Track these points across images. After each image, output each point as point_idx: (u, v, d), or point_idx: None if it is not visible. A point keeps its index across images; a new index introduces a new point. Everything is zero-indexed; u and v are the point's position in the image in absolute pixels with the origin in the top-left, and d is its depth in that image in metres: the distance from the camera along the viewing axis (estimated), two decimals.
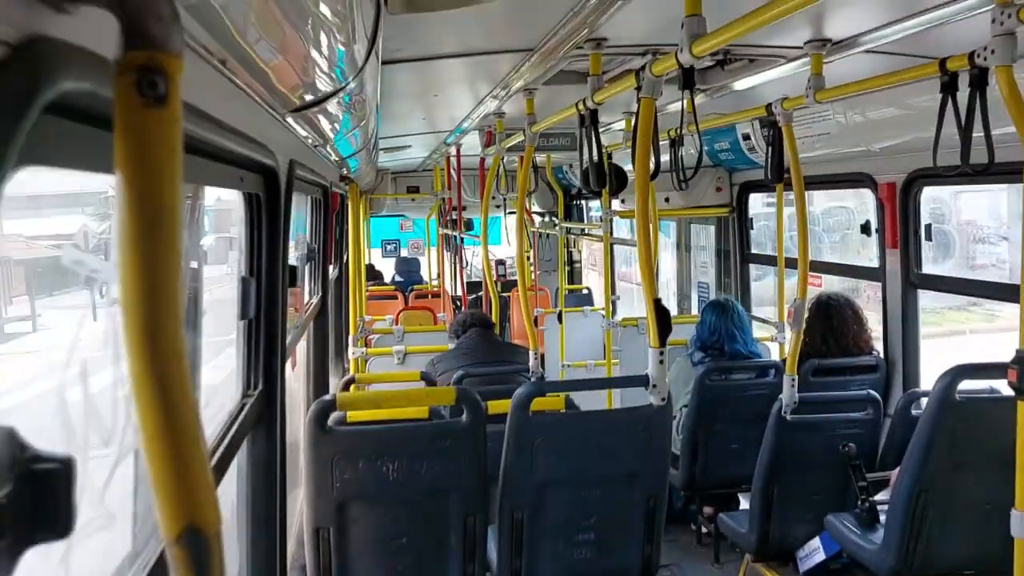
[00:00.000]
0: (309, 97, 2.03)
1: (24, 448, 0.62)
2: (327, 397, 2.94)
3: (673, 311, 6.40)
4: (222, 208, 2.61)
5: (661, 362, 2.84)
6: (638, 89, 2.67)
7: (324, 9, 1.39)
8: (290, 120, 2.18)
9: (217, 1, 1.02)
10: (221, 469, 1.75)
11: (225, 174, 1.66)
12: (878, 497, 3.58)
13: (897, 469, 3.29)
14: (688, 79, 2.40)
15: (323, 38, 1.54)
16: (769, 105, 3.75)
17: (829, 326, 4.52)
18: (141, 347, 0.61)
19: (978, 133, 2.55)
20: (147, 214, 0.61)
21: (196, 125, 1.20)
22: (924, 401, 3.30)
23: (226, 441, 1.81)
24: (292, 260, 2.70)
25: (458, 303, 9.13)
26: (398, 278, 12.25)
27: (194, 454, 0.64)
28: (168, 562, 0.64)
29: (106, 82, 0.73)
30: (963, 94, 2.58)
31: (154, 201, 0.61)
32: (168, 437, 0.62)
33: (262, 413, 2.17)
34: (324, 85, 1.97)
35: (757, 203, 6.62)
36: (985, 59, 2.32)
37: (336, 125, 2.83)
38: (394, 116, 5.12)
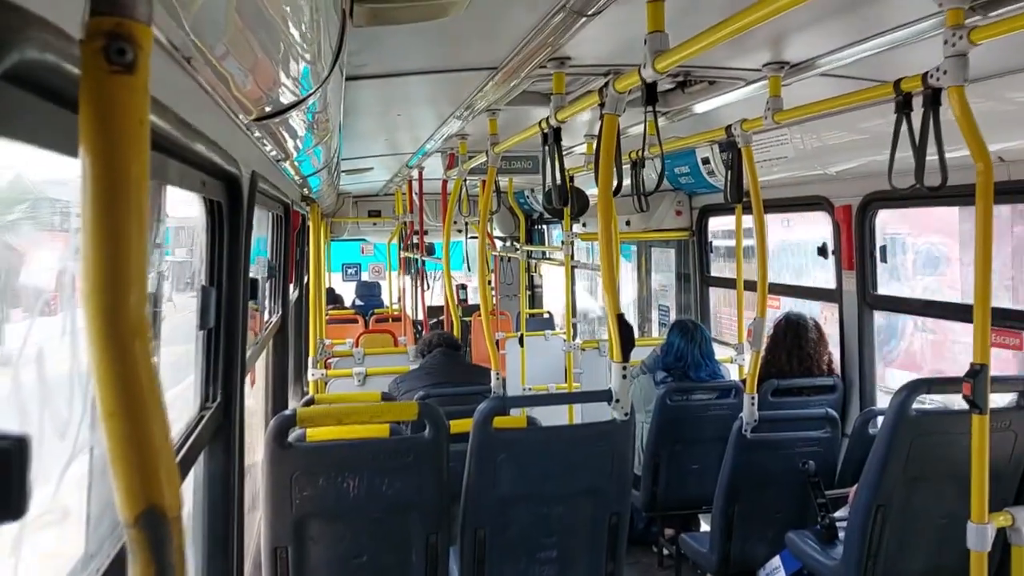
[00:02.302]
0: (272, 107, 2.02)
1: None
2: (287, 412, 2.89)
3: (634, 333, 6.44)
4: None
5: (624, 377, 2.85)
6: (601, 105, 2.70)
7: (289, 17, 1.39)
8: (254, 131, 2.16)
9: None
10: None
11: (186, 175, 1.64)
12: (837, 514, 3.61)
13: (856, 486, 3.33)
14: (651, 95, 2.44)
15: (287, 46, 1.54)
16: (729, 127, 3.81)
17: (797, 345, 4.58)
18: (102, 320, 0.59)
19: (932, 157, 2.61)
20: (113, 184, 0.60)
21: (159, 118, 1.18)
22: (881, 420, 3.34)
23: (182, 453, 1.77)
24: (253, 274, 2.67)
25: (419, 327, 9.09)
26: (359, 302, 12.17)
27: (156, 433, 0.62)
28: (127, 545, 0.61)
29: (69, 56, 0.71)
30: (917, 116, 2.64)
31: (121, 171, 0.60)
32: (129, 414, 0.60)
33: (220, 426, 2.12)
34: (287, 94, 1.96)
35: (721, 227, 6.70)
36: (938, 79, 2.38)
37: (298, 141, 2.82)
38: (357, 135, 5.11)
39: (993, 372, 2.34)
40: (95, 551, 1.24)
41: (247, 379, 2.97)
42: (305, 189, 5.08)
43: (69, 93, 0.79)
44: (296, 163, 3.36)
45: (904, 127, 2.65)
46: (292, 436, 2.91)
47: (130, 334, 0.60)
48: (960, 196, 2.69)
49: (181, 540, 0.63)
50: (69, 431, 1.23)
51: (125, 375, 0.59)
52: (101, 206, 0.59)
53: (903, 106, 2.65)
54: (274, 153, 2.85)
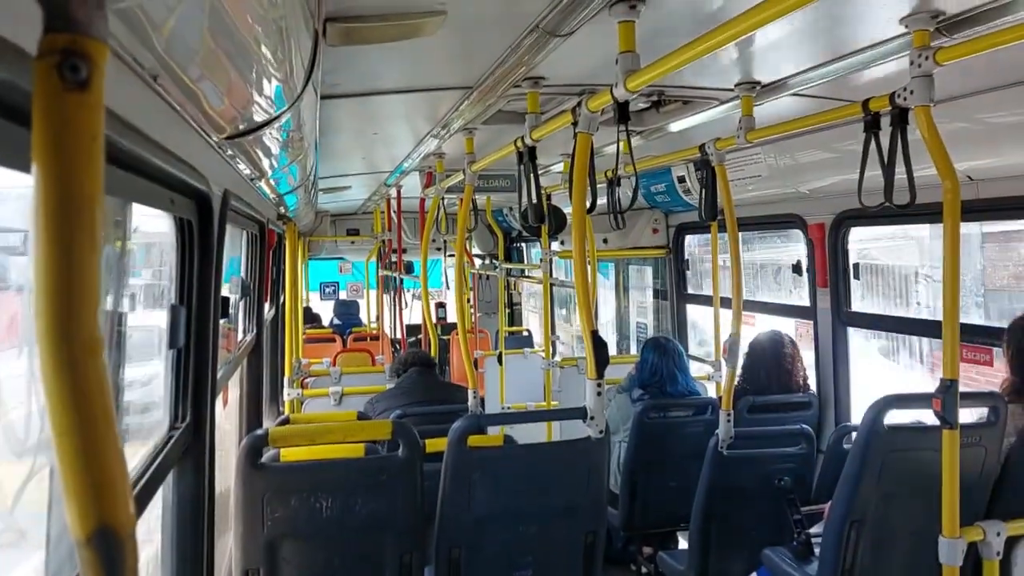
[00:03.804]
0: (243, 125, 2.01)
1: None
2: (259, 432, 2.87)
3: (612, 351, 6.44)
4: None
5: (599, 394, 2.85)
6: (575, 124, 2.72)
7: (260, 35, 1.39)
8: (226, 149, 2.16)
9: (148, 14, 1.01)
10: (142, 503, 1.69)
11: (153, 193, 1.63)
12: (813, 530, 3.62)
13: (830, 501, 3.34)
14: (623, 114, 2.46)
15: (259, 65, 1.54)
16: (703, 145, 3.85)
17: (777, 363, 4.61)
18: (54, 337, 0.59)
19: (901, 176, 2.65)
20: (66, 201, 0.59)
21: (122, 136, 1.18)
22: (855, 435, 3.36)
23: (149, 473, 1.75)
24: (225, 293, 2.65)
25: (397, 346, 9.06)
26: (336, 321, 12.10)
27: (108, 450, 0.61)
28: (79, 565, 0.61)
29: (21, 72, 0.71)
30: (886, 135, 2.68)
31: (73, 188, 0.60)
32: (80, 431, 0.60)
33: (189, 446, 2.10)
34: (259, 113, 1.95)
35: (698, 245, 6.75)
36: (905, 99, 2.43)
37: (273, 160, 2.81)
38: (334, 154, 5.11)
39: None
40: (55, 573, 1.22)
41: (219, 399, 2.95)
42: (281, 208, 5.06)
43: (21, 108, 0.79)
44: (272, 181, 3.36)
45: (873, 146, 2.69)
46: (266, 456, 2.88)
47: (82, 352, 0.59)
48: (929, 214, 2.73)
49: (135, 559, 0.62)
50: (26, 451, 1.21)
51: (76, 393, 0.59)
52: (53, 222, 0.59)
53: (872, 125, 2.69)
54: (248, 171, 2.84)
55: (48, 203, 0.59)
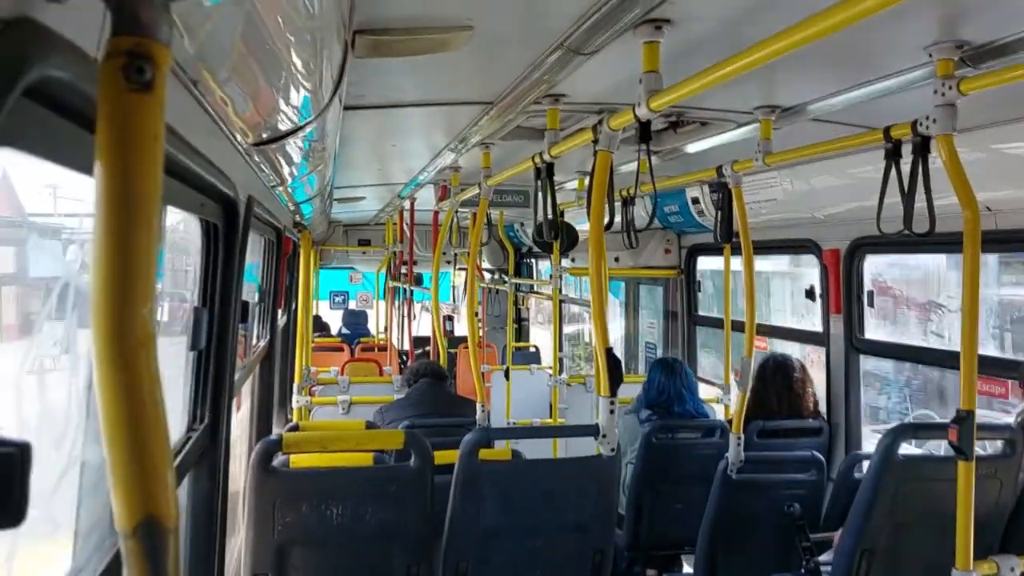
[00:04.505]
0: (270, 133, 2.04)
1: None
2: (273, 436, 2.88)
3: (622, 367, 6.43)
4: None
5: (612, 412, 2.84)
6: (595, 142, 2.73)
7: (292, 46, 1.41)
8: (252, 155, 2.18)
9: (188, 20, 1.03)
10: None
11: (186, 196, 1.66)
12: (822, 558, 3.59)
13: (841, 530, 3.32)
14: (645, 133, 2.47)
15: (288, 74, 1.56)
16: (720, 167, 3.86)
17: (787, 386, 4.58)
18: (110, 331, 0.60)
19: (920, 204, 2.65)
20: (127, 200, 0.61)
21: (165, 140, 1.19)
22: (867, 464, 3.35)
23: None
24: (244, 298, 2.67)
25: (404, 357, 9.07)
26: (345, 330, 12.13)
27: (157, 445, 0.62)
28: (123, 555, 0.62)
29: (86, 75, 0.73)
30: (906, 163, 2.69)
31: (135, 187, 0.61)
32: (132, 425, 0.61)
33: (206, 449, 2.11)
34: (285, 121, 1.98)
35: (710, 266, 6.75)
36: (927, 128, 2.43)
37: (294, 168, 2.83)
38: (351, 164, 5.13)
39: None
40: (83, 564, 1.23)
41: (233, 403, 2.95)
42: (297, 216, 5.09)
43: (85, 110, 0.81)
44: (290, 189, 3.38)
45: (893, 173, 2.70)
46: (276, 462, 2.89)
47: (137, 346, 0.60)
48: (948, 243, 2.73)
49: (177, 551, 0.63)
50: (64, 443, 1.23)
51: (130, 386, 0.60)
52: (114, 220, 0.60)
53: (893, 153, 2.70)
54: (269, 179, 2.86)
55: (110, 201, 0.60)
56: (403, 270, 8.50)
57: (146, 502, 0.61)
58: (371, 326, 11.75)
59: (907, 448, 3.11)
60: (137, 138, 0.61)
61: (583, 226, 4.67)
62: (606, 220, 2.89)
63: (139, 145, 0.61)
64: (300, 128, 2.09)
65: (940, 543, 2.62)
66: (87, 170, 0.64)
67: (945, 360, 4.04)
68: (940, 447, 3.93)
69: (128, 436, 0.60)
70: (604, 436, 2.89)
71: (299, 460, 3.06)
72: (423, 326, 11.14)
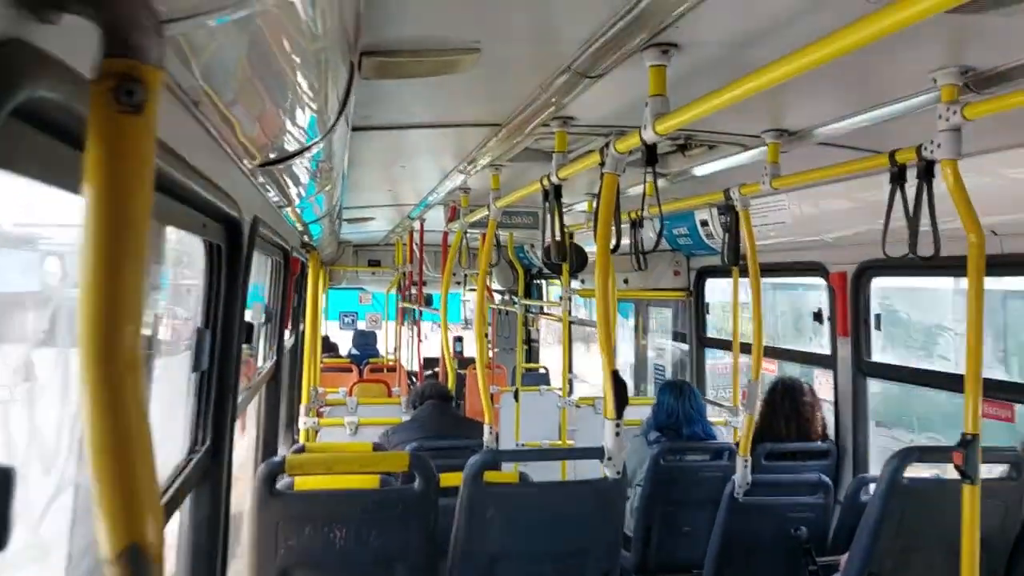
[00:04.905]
0: (276, 154, 2.05)
1: None
2: (276, 459, 2.87)
3: (630, 392, 6.41)
4: None
5: (617, 434, 2.83)
6: (602, 164, 2.73)
7: (298, 67, 1.42)
8: (257, 176, 2.19)
9: (191, 41, 1.03)
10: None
11: (187, 217, 1.66)
12: None
13: (847, 553, 3.29)
14: (651, 156, 2.47)
15: (294, 95, 1.57)
16: (728, 190, 3.86)
17: (795, 409, 4.56)
18: (96, 354, 0.60)
19: (926, 227, 2.64)
20: (115, 222, 0.61)
21: (162, 160, 1.20)
22: (873, 487, 3.32)
23: (168, 495, 1.75)
24: (249, 319, 2.68)
25: (413, 378, 9.06)
26: (354, 351, 12.13)
27: (143, 469, 0.62)
28: None
29: (77, 95, 0.73)
30: (911, 187, 2.68)
31: (123, 209, 0.61)
32: (117, 449, 0.61)
33: (207, 470, 2.11)
34: (292, 142, 1.99)
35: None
36: (932, 152, 2.43)
37: (301, 189, 2.85)
38: (360, 186, 5.16)
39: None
40: None
41: (237, 425, 2.95)
42: (306, 236, 5.12)
43: (75, 131, 0.81)
44: (298, 210, 3.40)
45: (898, 197, 2.69)
46: (280, 484, 2.88)
47: (123, 369, 0.60)
48: (953, 267, 2.71)
49: None
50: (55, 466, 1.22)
51: (115, 410, 0.60)
52: (102, 242, 0.61)
53: (898, 177, 2.69)
54: (276, 199, 2.88)
55: (98, 222, 0.60)
56: (413, 291, 8.51)
57: (131, 529, 0.60)
58: (380, 346, 11.74)
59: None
60: (127, 160, 0.61)
61: (592, 247, 4.66)
62: (613, 242, 2.88)
63: (128, 168, 0.61)
64: (306, 149, 2.10)
65: (946, 567, 2.59)
66: (76, 190, 0.64)
67: (952, 383, 4.00)
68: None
69: (113, 460, 0.60)
70: (610, 458, 2.88)
71: (303, 482, 3.05)
72: (432, 347, 11.14)
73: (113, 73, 0.61)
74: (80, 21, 0.65)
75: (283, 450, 5.55)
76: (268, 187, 2.42)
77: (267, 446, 4.88)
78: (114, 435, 0.60)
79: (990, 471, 3.06)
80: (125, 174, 0.61)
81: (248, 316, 2.55)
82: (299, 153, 2.07)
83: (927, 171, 2.52)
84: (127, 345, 0.61)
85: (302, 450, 4.41)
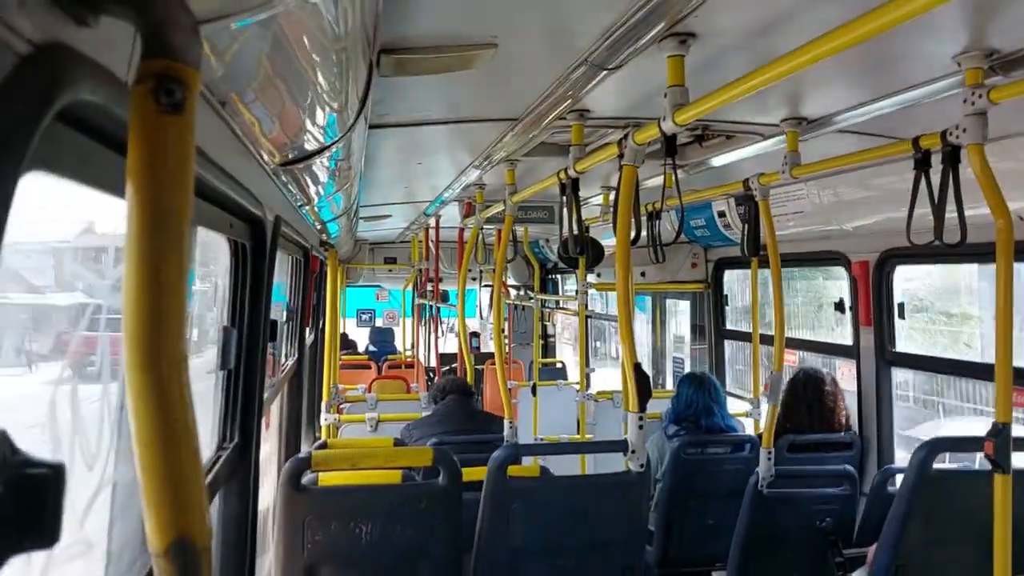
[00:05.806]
0: (296, 153, 2.06)
1: (15, 451, 0.61)
2: (302, 455, 2.89)
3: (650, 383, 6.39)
4: None
5: (640, 427, 2.82)
6: (620, 157, 2.73)
7: (318, 66, 1.43)
8: (279, 175, 2.20)
9: (217, 42, 1.04)
10: None
11: (215, 217, 1.67)
12: (855, 574, 3.54)
13: (874, 545, 3.27)
14: (670, 147, 2.47)
15: (314, 95, 1.57)
16: (747, 180, 3.84)
17: (818, 399, 4.53)
18: (142, 351, 0.61)
19: (951, 214, 2.62)
20: (158, 222, 0.61)
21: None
22: (899, 478, 3.30)
23: None
24: (272, 317, 2.69)
25: (431, 374, 9.08)
26: (372, 348, 12.18)
27: (189, 464, 0.62)
28: (155, 575, 0.62)
29: (118, 98, 0.74)
30: (936, 173, 2.66)
31: (164, 207, 0.62)
32: (164, 444, 0.61)
33: (236, 468, 2.12)
34: (312, 141, 1.99)
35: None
36: (957, 137, 2.40)
37: (320, 188, 2.86)
38: (377, 184, 5.17)
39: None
40: None
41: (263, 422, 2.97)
42: (324, 235, 5.13)
43: (116, 134, 0.82)
44: (316, 208, 3.41)
45: (923, 184, 2.67)
46: (305, 480, 2.90)
47: (168, 365, 0.61)
48: (980, 254, 2.69)
49: (210, 570, 0.63)
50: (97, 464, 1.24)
51: (162, 405, 0.60)
52: (146, 242, 0.61)
53: (922, 163, 2.67)
54: (296, 198, 2.89)
55: (141, 223, 0.61)
56: (429, 287, 8.53)
57: (178, 522, 0.61)
58: (398, 343, 11.78)
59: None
60: (168, 160, 0.62)
61: (608, 241, 4.66)
62: (632, 235, 2.88)
63: (170, 167, 0.62)
64: (326, 148, 2.10)
65: (977, 559, 2.57)
66: (118, 192, 0.65)
67: (980, 372, 3.97)
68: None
69: (161, 456, 0.61)
70: (633, 451, 2.88)
71: (328, 478, 3.07)
72: (449, 343, 11.16)
73: (153, 74, 0.61)
74: (115, 24, 0.65)
75: (305, 446, 5.58)
76: (289, 186, 2.43)
77: (290, 443, 4.91)
78: (162, 431, 0.61)
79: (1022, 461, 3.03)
80: (167, 173, 0.62)
81: (271, 314, 2.57)
82: (319, 152, 2.07)
83: (952, 156, 2.50)
84: (172, 342, 0.61)
85: (324, 446, 4.43)
